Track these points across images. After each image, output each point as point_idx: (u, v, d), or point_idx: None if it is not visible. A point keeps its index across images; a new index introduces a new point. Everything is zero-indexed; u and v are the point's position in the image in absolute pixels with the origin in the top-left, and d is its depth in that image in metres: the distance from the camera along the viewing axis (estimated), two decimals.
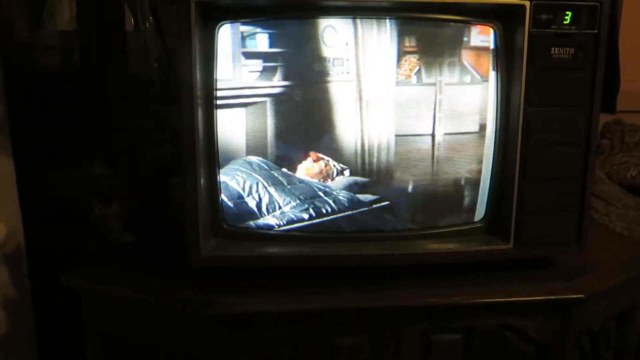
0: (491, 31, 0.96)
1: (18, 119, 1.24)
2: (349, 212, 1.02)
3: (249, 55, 0.95)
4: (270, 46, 0.95)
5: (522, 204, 0.99)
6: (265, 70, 0.95)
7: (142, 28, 1.27)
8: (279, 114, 0.97)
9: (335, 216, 1.01)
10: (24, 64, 1.30)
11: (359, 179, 1.01)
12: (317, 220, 1.01)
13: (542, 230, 1.01)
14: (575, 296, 0.99)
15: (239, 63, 0.95)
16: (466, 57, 0.97)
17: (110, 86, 1.25)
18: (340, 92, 0.97)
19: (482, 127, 1.00)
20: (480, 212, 1.03)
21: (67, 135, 1.30)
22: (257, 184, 1.00)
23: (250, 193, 1.00)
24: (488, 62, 0.97)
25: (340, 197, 1.01)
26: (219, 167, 0.97)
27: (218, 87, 0.94)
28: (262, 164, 0.99)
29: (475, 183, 1.02)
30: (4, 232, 1.15)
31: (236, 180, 1.00)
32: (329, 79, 0.96)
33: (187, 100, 0.92)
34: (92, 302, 1.05)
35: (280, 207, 1.01)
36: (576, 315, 1.00)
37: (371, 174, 1.00)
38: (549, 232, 1.01)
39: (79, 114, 1.28)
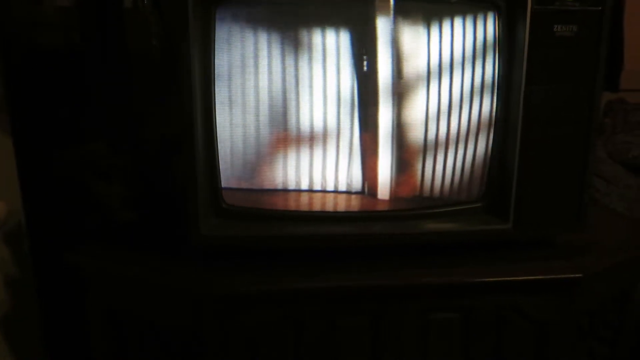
0: (493, 7, 0.94)
1: (17, 97, 1.23)
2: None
3: (249, 34, 0.94)
4: (270, 24, 0.94)
5: (522, 184, 0.98)
6: (264, 47, 0.94)
7: (140, 5, 1.25)
8: (278, 92, 0.96)
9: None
10: (23, 41, 1.28)
11: None
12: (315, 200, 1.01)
13: (542, 210, 1.00)
14: (574, 275, 0.99)
15: (239, 41, 0.94)
16: (467, 33, 0.96)
17: (110, 63, 1.24)
18: (341, 68, 0.95)
19: (483, 106, 0.99)
20: (479, 191, 1.03)
21: (67, 114, 1.29)
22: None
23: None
24: (489, 39, 0.96)
25: None
26: (218, 146, 0.97)
27: (216, 64, 0.93)
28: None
29: (475, 162, 1.02)
30: (4, 210, 1.15)
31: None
32: (330, 59, 0.94)
33: (185, 79, 0.91)
34: (95, 281, 1.06)
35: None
36: (575, 294, 1.00)
37: None
38: (549, 212, 1.01)
39: (79, 92, 1.27)
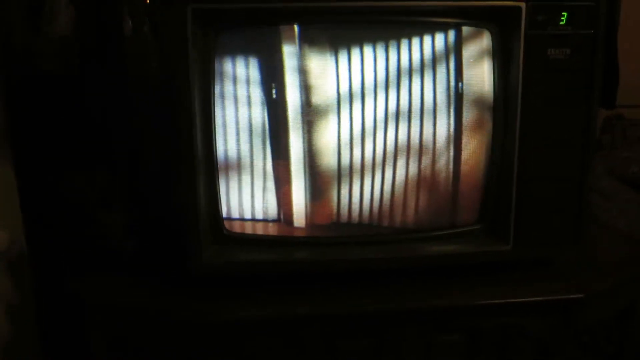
0: (487, 33, 0.95)
1: (18, 124, 1.24)
2: None
3: (249, 62, 0.95)
4: (271, 50, 0.95)
5: (521, 205, 0.99)
6: (265, 76, 0.95)
7: (139, 32, 1.27)
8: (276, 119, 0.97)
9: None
10: (24, 68, 1.30)
11: None
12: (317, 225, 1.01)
13: (541, 231, 1.01)
14: (574, 296, 0.99)
15: (238, 69, 0.95)
16: (461, 58, 0.97)
17: (111, 90, 1.25)
18: (339, 92, 0.96)
19: (480, 128, 1.00)
20: (478, 214, 1.03)
21: (67, 141, 1.30)
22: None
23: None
24: (484, 63, 0.97)
25: None
26: (218, 172, 0.98)
27: (216, 92, 0.94)
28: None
29: (473, 185, 1.02)
30: (6, 239, 1.15)
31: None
32: (323, 85, 0.96)
33: (184, 108, 0.92)
34: (96, 309, 1.05)
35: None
36: (576, 314, 1.00)
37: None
38: (548, 232, 1.01)
39: (80, 119, 1.28)
